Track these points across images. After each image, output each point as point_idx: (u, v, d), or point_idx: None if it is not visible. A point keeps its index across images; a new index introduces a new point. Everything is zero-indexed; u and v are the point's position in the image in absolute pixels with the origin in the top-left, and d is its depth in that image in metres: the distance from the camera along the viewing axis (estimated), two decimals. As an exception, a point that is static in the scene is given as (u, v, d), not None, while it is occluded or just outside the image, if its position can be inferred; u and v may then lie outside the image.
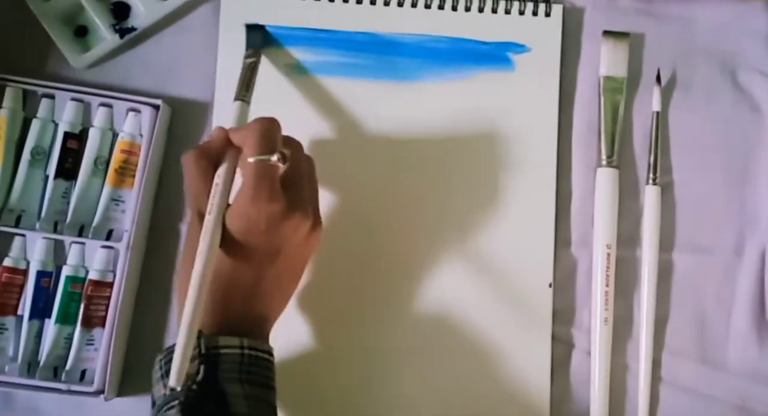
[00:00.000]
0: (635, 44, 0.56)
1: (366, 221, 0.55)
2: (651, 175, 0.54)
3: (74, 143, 0.55)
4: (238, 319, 0.43)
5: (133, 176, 0.54)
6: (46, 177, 0.54)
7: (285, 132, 0.56)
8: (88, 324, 0.53)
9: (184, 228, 0.56)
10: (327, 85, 0.56)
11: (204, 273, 0.41)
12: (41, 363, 0.52)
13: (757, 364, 0.53)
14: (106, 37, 0.56)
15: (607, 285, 0.53)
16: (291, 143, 0.47)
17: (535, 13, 0.56)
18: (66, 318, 0.53)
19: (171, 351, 0.41)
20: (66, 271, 0.53)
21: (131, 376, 0.54)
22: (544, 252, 0.54)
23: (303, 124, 0.56)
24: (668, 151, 0.56)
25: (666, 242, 0.54)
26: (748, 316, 0.54)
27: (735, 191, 0.55)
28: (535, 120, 0.55)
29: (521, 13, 0.56)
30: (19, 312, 0.54)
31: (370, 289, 0.54)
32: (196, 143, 0.56)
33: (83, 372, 0.53)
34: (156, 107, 0.55)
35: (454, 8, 0.56)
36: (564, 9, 0.56)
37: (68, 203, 0.54)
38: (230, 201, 0.44)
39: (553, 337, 0.54)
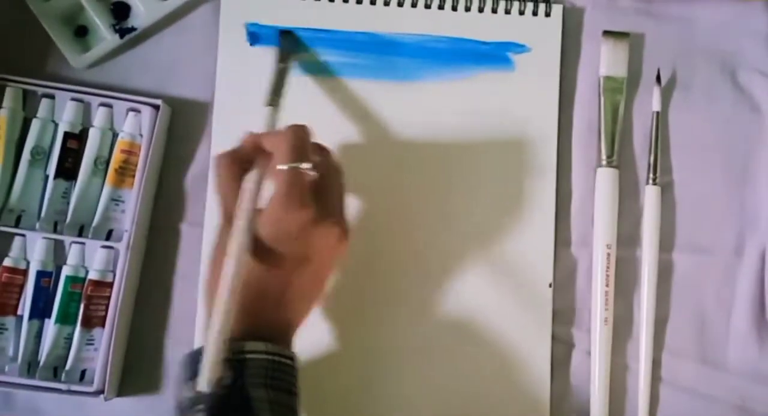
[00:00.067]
0: (635, 44, 0.56)
1: (366, 221, 0.55)
2: (651, 175, 0.54)
3: (74, 143, 0.55)
4: (263, 325, 0.43)
5: (133, 176, 0.54)
6: (46, 177, 0.54)
7: (285, 132, 0.56)
8: (88, 324, 0.53)
9: (184, 228, 0.56)
10: (327, 85, 0.56)
11: (234, 278, 0.41)
12: (41, 363, 0.52)
13: (757, 364, 0.53)
14: (106, 37, 0.56)
15: (607, 285, 0.53)
16: (321, 149, 0.47)
17: (535, 13, 0.56)
18: (66, 318, 0.53)
19: (198, 353, 0.42)
20: (66, 271, 0.53)
21: (131, 376, 0.54)
22: (544, 252, 0.54)
23: (303, 124, 0.56)
24: (668, 151, 0.56)
25: (666, 242, 0.54)
26: (748, 316, 0.54)
27: (735, 191, 0.55)
28: (535, 120, 0.55)
29: (521, 13, 0.56)
30: (19, 312, 0.54)
31: (371, 289, 0.54)
32: (197, 143, 0.56)
33: (83, 372, 0.53)
34: (156, 107, 0.55)
35: (454, 8, 0.56)
36: (564, 9, 0.56)
37: (68, 203, 0.54)
38: (260, 207, 0.44)
39: (553, 337, 0.54)
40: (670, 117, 0.56)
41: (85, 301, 0.53)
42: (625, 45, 0.55)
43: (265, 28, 0.56)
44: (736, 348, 0.54)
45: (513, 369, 0.53)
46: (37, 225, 0.53)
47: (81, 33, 0.57)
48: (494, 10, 0.56)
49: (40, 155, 0.54)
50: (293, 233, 0.43)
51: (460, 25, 0.56)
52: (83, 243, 0.54)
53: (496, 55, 0.56)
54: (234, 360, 0.41)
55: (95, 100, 0.55)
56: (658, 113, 0.55)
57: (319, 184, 0.45)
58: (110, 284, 0.53)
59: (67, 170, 0.54)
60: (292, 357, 0.44)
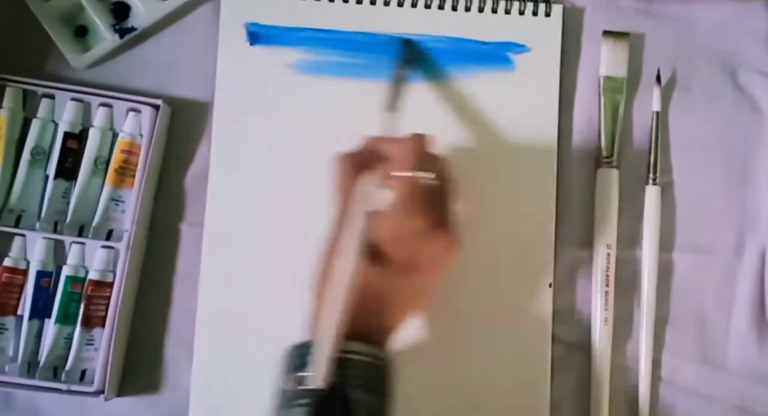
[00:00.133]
0: (635, 44, 0.56)
1: (366, 221, 0.55)
2: (651, 175, 0.54)
3: (74, 143, 0.55)
4: (366, 327, 0.43)
5: (133, 176, 0.54)
6: (46, 177, 0.54)
7: (284, 132, 0.56)
8: (88, 324, 0.53)
9: (184, 228, 0.56)
10: (327, 85, 0.56)
11: (348, 278, 0.42)
12: (41, 363, 0.52)
13: (757, 364, 0.54)
14: (106, 37, 0.56)
15: (607, 285, 0.53)
16: (439, 159, 0.47)
17: (535, 13, 0.56)
18: (66, 318, 0.53)
19: (304, 346, 0.42)
20: (66, 271, 0.53)
21: (131, 376, 0.54)
22: (544, 252, 0.54)
23: (303, 124, 0.56)
24: (668, 151, 0.56)
25: (666, 242, 0.54)
26: (748, 316, 0.54)
27: (735, 191, 0.55)
28: (535, 120, 0.55)
29: (521, 13, 0.56)
30: (19, 312, 0.54)
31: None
32: (197, 143, 0.56)
33: (83, 372, 0.53)
34: (156, 107, 0.55)
35: (454, 8, 0.56)
36: (564, 9, 0.56)
37: (68, 203, 0.54)
38: (374, 210, 0.45)
39: (553, 337, 0.54)
40: (670, 117, 0.56)
41: (85, 301, 0.53)
42: (625, 45, 0.55)
43: (265, 28, 0.56)
44: (736, 348, 0.54)
45: (513, 369, 0.53)
46: (37, 225, 0.53)
47: (81, 33, 0.57)
48: (494, 10, 0.56)
49: (40, 155, 0.54)
50: (405, 240, 0.44)
51: (460, 25, 0.56)
52: (83, 243, 0.54)
53: (496, 55, 0.56)
54: (337, 358, 0.41)
55: (95, 100, 0.55)
56: (658, 113, 0.55)
57: (434, 193, 0.45)
58: (110, 284, 0.53)
59: (67, 170, 0.54)
60: (390, 362, 0.44)
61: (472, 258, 0.54)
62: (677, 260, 0.54)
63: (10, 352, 0.53)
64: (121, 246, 0.53)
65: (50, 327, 0.53)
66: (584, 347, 0.54)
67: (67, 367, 0.53)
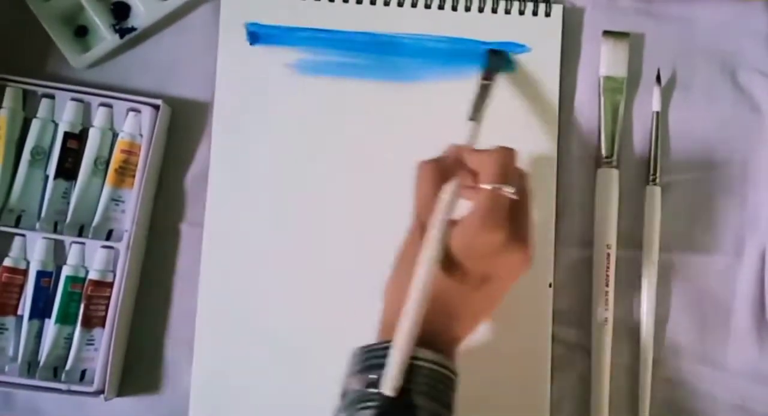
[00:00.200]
0: (635, 44, 0.56)
1: (365, 220, 0.55)
2: (651, 175, 0.54)
3: (74, 143, 0.55)
4: (435, 335, 0.43)
5: (133, 176, 0.54)
6: (46, 177, 0.54)
7: (284, 132, 0.56)
8: (88, 324, 0.53)
9: (184, 228, 0.56)
10: (327, 85, 0.56)
11: (425, 286, 0.42)
12: (41, 363, 0.52)
13: (757, 364, 0.54)
14: (106, 37, 0.56)
15: (607, 285, 0.53)
16: (521, 173, 0.47)
17: (535, 13, 0.56)
18: (66, 318, 0.53)
19: (372, 348, 0.43)
20: (66, 271, 0.53)
21: (131, 376, 0.54)
22: (544, 252, 0.54)
23: (303, 124, 0.56)
24: (668, 151, 0.56)
25: (666, 242, 0.54)
26: (748, 316, 0.54)
27: (735, 191, 0.55)
28: (535, 120, 0.55)
29: (521, 13, 0.56)
30: (19, 312, 0.54)
31: (370, 288, 0.54)
32: (197, 143, 0.56)
33: (83, 372, 0.53)
34: (156, 107, 0.55)
35: (454, 8, 0.56)
36: (564, 9, 0.56)
37: (68, 203, 0.54)
38: (453, 219, 0.45)
39: (553, 337, 0.54)
40: (670, 117, 0.56)
41: (85, 301, 0.53)
42: (625, 45, 0.55)
43: (265, 28, 0.56)
44: (736, 348, 0.54)
45: (513, 369, 0.53)
46: (37, 225, 0.53)
47: (81, 33, 0.57)
48: (494, 10, 0.56)
49: (40, 155, 0.54)
50: (484, 252, 0.44)
51: (460, 25, 0.56)
52: (83, 243, 0.54)
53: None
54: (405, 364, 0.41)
55: (95, 100, 0.55)
56: (658, 112, 0.55)
57: (515, 208, 0.45)
58: (110, 284, 0.53)
59: (67, 170, 0.54)
60: (455, 372, 0.44)
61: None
62: (677, 260, 0.54)
63: (10, 352, 0.53)
64: (121, 246, 0.53)
65: (50, 327, 0.53)
66: (584, 347, 0.54)
67: (67, 367, 0.53)
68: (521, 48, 0.56)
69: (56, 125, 0.55)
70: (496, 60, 0.55)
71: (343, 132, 0.56)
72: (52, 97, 0.55)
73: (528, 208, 0.46)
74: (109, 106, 0.55)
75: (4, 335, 0.53)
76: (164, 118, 0.55)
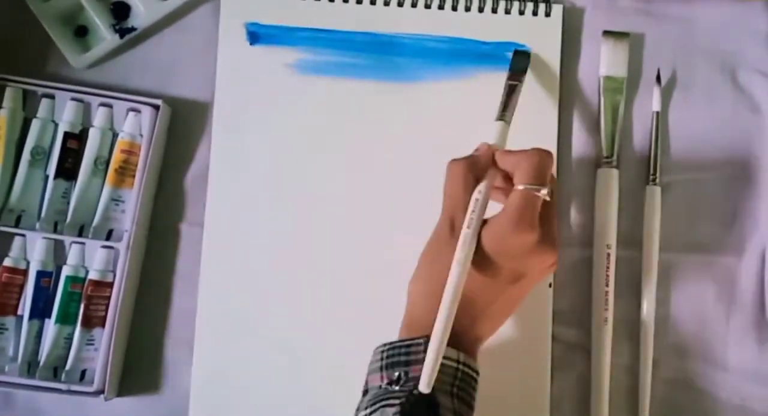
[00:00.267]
0: (635, 44, 0.56)
1: (365, 220, 0.55)
2: (651, 175, 0.54)
3: (74, 143, 0.55)
4: (459, 334, 0.43)
5: (133, 176, 0.54)
6: (46, 177, 0.54)
7: (284, 132, 0.56)
8: (88, 324, 0.53)
9: (184, 228, 0.56)
10: (327, 85, 0.56)
11: (459, 283, 0.42)
12: (41, 363, 0.52)
13: (757, 364, 0.54)
14: (106, 37, 0.56)
15: (607, 285, 0.53)
16: (552, 176, 0.48)
17: (535, 13, 0.56)
18: (66, 318, 0.53)
19: (396, 345, 0.43)
20: (66, 271, 0.53)
21: (131, 376, 0.54)
22: (544, 252, 0.54)
23: (303, 124, 0.56)
24: (668, 151, 0.56)
25: (666, 242, 0.54)
26: (748, 316, 0.54)
27: (735, 191, 0.55)
28: (535, 120, 0.55)
29: (521, 13, 0.56)
30: (19, 312, 0.54)
31: (370, 288, 0.54)
32: (197, 143, 0.56)
33: (83, 372, 0.53)
34: (156, 107, 0.55)
35: (454, 8, 0.56)
36: (564, 9, 0.56)
37: (68, 203, 0.54)
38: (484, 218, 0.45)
39: (553, 337, 0.54)
40: (670, 117, 0.56)
41: (85, 301, 0.53)
42: (625, 45, 0.55)
43: (265, 28, 0.56)
44: (736, 348, 0.54)
45: (513, 369, 0.53)
46: (37, 225, 0.53)
47: (81, 33, 0.57)
48: (494, 10, 0.56)
49: (40, 155, 0.54)
50: (514, 252, 0.44)
51: (460, 25, 0.56)
52: (83, 243, 0.54)
53: (496, 55, 0.56)
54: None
55: (95, 100, 0.55)
56: (658, 112, 0.55)
57: (546, 210, 0.45)
58: (110, 284, 0.53)
59: (67, 170, 0.54)
60: (478, 371, 0.45)
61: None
62: (677, 260, 0.54)
63: (10, 352, 0.53)
64: (121, 246, 0.53)
65: (50, 327, 0.53)
66: (584, 347, 0.54)
67: (67, 367, 0.53)
68: (521, 48, 0.56)
69: (56, 125, 0.55)
70: (522, 60, 0.55)
71: (343, 132, 0.56)
72: (52, 97, 0.55)
73: (555, 211, 0.46)
74: (109, 106, 0.55)
75: (4, 335, 0.53)
76: (164, 118, 0.55)
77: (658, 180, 0.54)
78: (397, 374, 0.42)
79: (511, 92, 0.52)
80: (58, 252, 0.54)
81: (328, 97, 0.56)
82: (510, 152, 0.47)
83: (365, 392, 0.44)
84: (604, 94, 0.55)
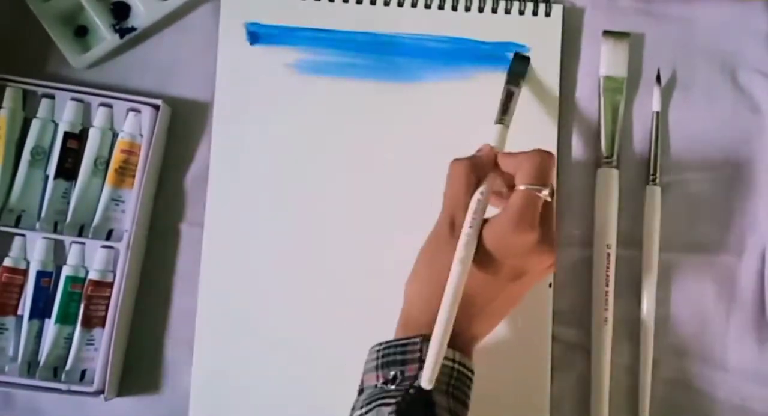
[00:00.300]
0: (635, 44, 0.56)
1: (365, 220, 0.55)
2: (651, 175, 0.54)
3: (74, 143, 0.55)
4: (456, 334, 0.43)
5: (133, 176, 0.54)
6: (46, 177, 0.54)
7: (284, 132, 0.56)
8: (88, 324, 0.53)
9: (184, 228, 0.56)
10: (327, 85, 0.56)
11: (460, 281, 0.42)
12: (41, 363, 0.52)
13: (757, 364, 0.54)
14: (106, 37, 0.56)
15: (607, 285, 0.53)
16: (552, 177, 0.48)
17: (535, 13, 0.56)
18: (66, 318, 0.53)
19: (391, 344, 0.43)
20: (66, 271, 0.53)
21: (131, 376, 0.54)
22: (544, 252, 0.54)
23: (303, 124, 0.56)
24: (668, 151, 0.56)
25: (666, 242, 0.54)
26: (748, 316, 0.54)
27: (735, 191, 0.55)
28: (535, 120, 0.55)
29: (521, 13, 0.56)
30: (19, 312, 0.54)
31: (370, 288, 0.54)
32: (197, 143, 0.56)
33: (83, 372, 0.53)
34: (156, 107, 0.55)
35: (454, 8, 0.56)
36: (564, 9, 0.56)
37: (68, 203, 0.54)
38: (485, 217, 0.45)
39: (553, 337, 0.54)
40: (670, 117, 0.56)
41: (85, 301, 0.53)
42: (625, 45, 0.55)
43: (265, 27, 0.56)
44: (736, 348, 0.54)
45: (513, 369, 0.53)
46: (37, 225, 0.53)
47: (81, 33, 0.57)
48: (494, 10, 0.56)
49: (40, 155, 0.54)
50: (516, 251, 0.44)
51: (460, 25, 0.56)
52: (83, 243, 0.54)
53: (496, 55, 0.56)
54: (424, 360, 0.42)
55: (95, 100, 0.55)
56: (658, 112, 0.55)
57: (545, 210, 0.45)
58: (110, 284, 0.53)
59: (67, 170, 0.54)
60: (473, 370, 0.45)
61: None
62: (677, 260, 0.54)
63: (10, 352, 0.53)
64: (121, 246, 0.53)
65: (50, 327, 0.53)
66: (584, 347, 0.54)
67: (67, 367, 0.53)
68: (521, 48, 0.56)
69: (56, 125, 0.55)
70: (521, 64, 0.54)
71: (343, 132, 0.56)
72: (52, 97, 0.55)
73: (554, 212, 0.46)
74: (109, 106, 0.55)
75: (4, 335, 0.53)
76: (164, 118, 0.55)
77: (658, 180, 0.54)
78: (392, 373, 0.42)
79: (510, 96, 0.52)
80: (58, 252, 0.54)
81: (328, 97, 0.56)
82: (512, 153, 0.47)
83: (361, 391, 0.44)
84: (604, 94, 0.55)
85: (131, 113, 0.55)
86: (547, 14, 0.56)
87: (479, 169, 0.46)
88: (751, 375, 0.53)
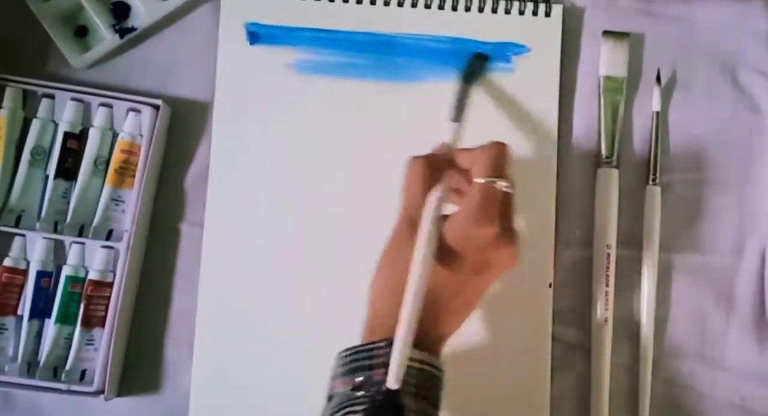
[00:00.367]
0: (635, 44, 0.56)
1: (365, 220, 0.55)
2: (651, 175, 0.54)
3: (74, 143, 0.55)
4: (422, 333, 0.43)
5: (133, 176, 0.54)
6: (46, 177, 0.54)
7: (284, 132, 0.56)
8: (88, 324, 0.53)
9: (184, 228, 0.56)
10: (327, 85, 0.56)
11: (422, 279, 0.42)
12: (41, 363, 0.52)
13: (757, 364, 0.54)
14: (106, 37, 0.56)
15: (607, 285, 0.53)
16: (510, 169, 0.47)
17: (535, 13, 0.56)
18: (66, 318, 0.53)
19: (357, 350, 0.43)
20: (66, 271, 0.53)
21: (131, 376, 0.54)
22: (544, 252, 0.54)
23: (303, 124, 0.56)
24: (668, 151, 0.56)
25: (666, 242, 0.54)
26: (748, 316, 0.54)
27: (735, 191, 0.55)
28: (535, 120, 0.55)
29: (521, 13, 0.56)
30: (19, 312, 0.54)
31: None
32: (197, 143, 0.56)
33: (83, 372, 0.53)
34: (156, 107, 0.55)
35: (454, 8, 0.56)
36: (564, 9, 0.56)
37: (68, 203, 0.54)
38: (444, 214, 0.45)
39: (553, 337, 0.54)
40: (670, 117, 0.56)
41: (85, 301, 0.53)
42: (625, 45, 0.55)
43: (265, 27, 0.56)
44: (736, 348, 0.54)
45: (513, 369, 0.53)
46: (37, 225, 0.53)
47: (81, 33, 0.57)
48: (494, 10, 0.56)
49: (40, 155, 0.54)
50: (476, 246, 0.44)
51: (460, 25, 0.56)
52: (83, 243, 0.54)
53: (496, 55, 0.56)
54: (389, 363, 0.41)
55: (95, 100, 0.55)
56: (658, 112, 0.55)
57: (505, 201, 0.45)
58: (110, 284, 0.53)
59: (67, 170, 0.54)
60: (442, 370, 0.44)
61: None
62: (677, 260, 0.54)
63: (10, 352, 0.53)
64: (121, 246, 0.53)
65: (50, 327, 0.53)
66: (584, 347, 0.54)
67: (67, 367, 0.53)
68: (521, 48, 0.56)
69: (56, 125, 0.55)
70: (479, 64, 0.54)
71: (342, 132, 0.56)
72: (52, 97, 0.55)
73: (513, 204, 0.46)
74: (109, 106, 0.55)
75: (4, 335, 0.53)
76: (164, 118, 0.55)
77: (658, 180, 0.54)
78: (360, 378, 0.42)
79: (464, 94, 0.51)
80: (58, 252, 0.54)
81: (328, 97, 0.56)
82: (468, 148, 0.47)
83: (330, 398, 0.43)
84: (604, 94, 0.55)
85: (131, 113, 0.55)
86: (547, 14, 0.56)
87: (436, 166, 0.46)
88: (751, 375, 0.53)
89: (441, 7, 0.56)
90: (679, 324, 0.54)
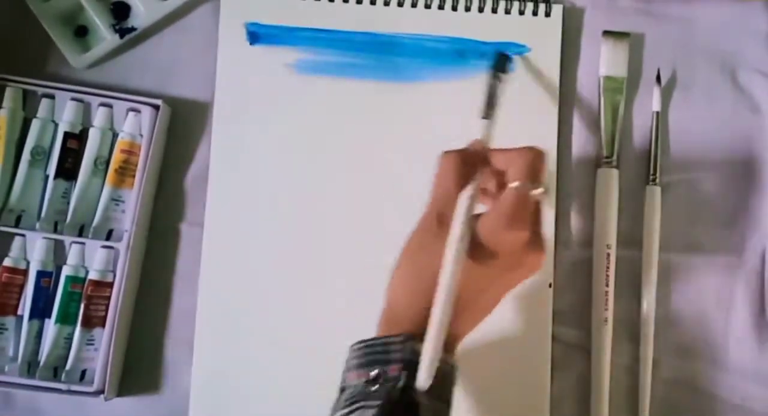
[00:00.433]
0: (635, 44, 0.56)
1: (365, 220, 0.55)
2: (651, 175, 0.54)
3: (74, 143, 0.55)
4: None
5: (133, 176, 0.54)
6: (46, 177, 0.54)
7: (284, 132, 0.56)
8: (88, 324, 0.53)
9: (184, 228, 0.56)
10: (327, 85, 0.56)
11: (453, 280, 0.41)
12: (41, 363, 0.52)
13: (757, 364, 0.54)
14: (106, 37, 0.56)
15: (607, 285, 0.53)
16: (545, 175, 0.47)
17: (535, 13, 0.56)
18: (66, 318, 0.53)
19: (373, 343, 0.42)
20: (66, 271, 0.53)
21: (131, 376, 0.54)
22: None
23: (303, 124, 0.56)
24: (668, 151, 0.56)
25: (666, 242, 0.54)
26: (748, 316, 0.54)
27: (735, 191, 0.55)
28: (535, 120, 0.55)
29: (521, 13, 0.56)
30: (19, 312, 0.54)
31: (370, 288, 0.54)
32: (197, 143, 0.56)
33: (83, 372, 0.53)
34: (156, 107, 0.55)
35: (454, 8, 0.56)
36: (564, 9, 0.56)
37: (68, 203, 0.54)
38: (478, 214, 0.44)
39: (553, 337, 0.54)
40: (670, 117, 0.56)
41: (85, 301, 0.53)
42: (625, 45, 0.55)
43: (265, 27, 0.56)
44: (736, 348, 0.54)
45: (513, 369, 0.53)
46: (37, 225, 0.53)
47: (81, 33, 0.57)
48: (494, 10, 0.56)
49: (40, 155, 0.54)
50: (504, 249, 0.43)
51: (460, 25, 0.56)
52: (83, 243, 0.54)
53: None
54: (408, 361, 0.41)
55: (95, 100, 0.55)
56: (658, 112, 0.55)
57: (536, 207, 0.45)
58: (110, 284, 0.53)
59: (67, 170, 0.54)
60: (456, 368, 0.44)
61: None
62: (677, 260, 0.54)
63: (10, 352, 0.53)
64: (121, 246, 0.53)
65: (50, 327, 0.53)
66: (584, 347, 0.54)
67: (67, 367, 0.53)
68: (521, 48, 0.56)
69: (56, 125, 0.55)
70: (502, 61, 0.54)
71: (343, 132, 0.56)
72: (52, 97, 0.55)
73: (543, 210, 0.46)
74: (109, 106, 0.55)
75: (4, 335, 0.53)
76: (164, 118, 0.55)
77: (658, 180, 0.54)
78: (375, 372, 0.41)
79: (493, 91, 0.51)
80: (58, 252, 0.54)
81: (328, 97, 0.56)
82: (503, 149, 0.47)
83: (342, 389, 0.43)
84: (604, 94, 0.55)
85: (131, 113, 0.55)
86: (547, 14, 0.56)
87: (469, 162, 0.45)
88: (751, 375, 0.53)
89: (441, 7, 0.56)
90: (679, 324, 0.54)
